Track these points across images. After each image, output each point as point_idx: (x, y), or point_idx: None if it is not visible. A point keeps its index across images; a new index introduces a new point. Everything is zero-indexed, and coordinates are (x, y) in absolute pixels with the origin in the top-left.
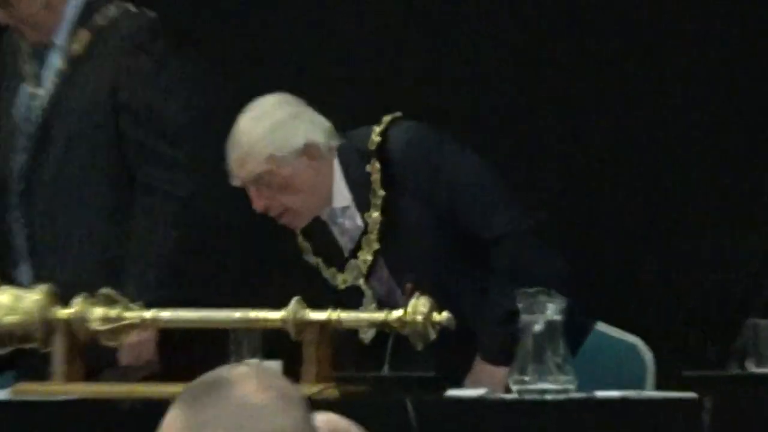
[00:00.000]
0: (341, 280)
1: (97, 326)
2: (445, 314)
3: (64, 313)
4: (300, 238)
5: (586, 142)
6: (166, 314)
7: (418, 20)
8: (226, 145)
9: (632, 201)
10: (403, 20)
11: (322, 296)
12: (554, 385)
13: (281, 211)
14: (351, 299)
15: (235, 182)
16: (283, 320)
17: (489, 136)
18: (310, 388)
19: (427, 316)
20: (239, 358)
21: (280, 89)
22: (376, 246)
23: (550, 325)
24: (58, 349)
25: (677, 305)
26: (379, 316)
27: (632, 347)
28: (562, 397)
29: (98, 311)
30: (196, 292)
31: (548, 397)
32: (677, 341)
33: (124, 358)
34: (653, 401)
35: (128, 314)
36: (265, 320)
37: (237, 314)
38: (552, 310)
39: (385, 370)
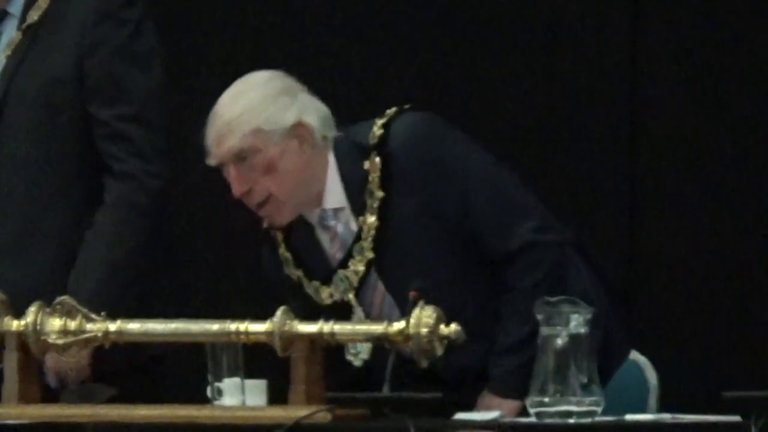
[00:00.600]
0: (327, 294)
1: (54, 340)
2: (453, 327)
3: (16, 324)
4: (282, 248)
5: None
6: (133, 326)
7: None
8: (206, 120)
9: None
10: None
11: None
12: (578, 408)
13: (264, 198)
14: (337, 318)
15: (212, 161)
16: (268, 333)
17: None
18: (299, 411)
19: (433, 329)
20: (217, 377)
21: None
22: (369, 255)
23: (573, 339)
24: (9, 365)
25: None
26: (378, 328)
27: (636, 366)
28: (586, 420)
29: (56, 323)
30: (168, 301)
31: (571, 420)
32: (717, 360)
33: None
34: (691, 426)
35: (90, 326)
36: (248, 333)
37: (215, 326)
38: (576, 322)
39: (385, 390)
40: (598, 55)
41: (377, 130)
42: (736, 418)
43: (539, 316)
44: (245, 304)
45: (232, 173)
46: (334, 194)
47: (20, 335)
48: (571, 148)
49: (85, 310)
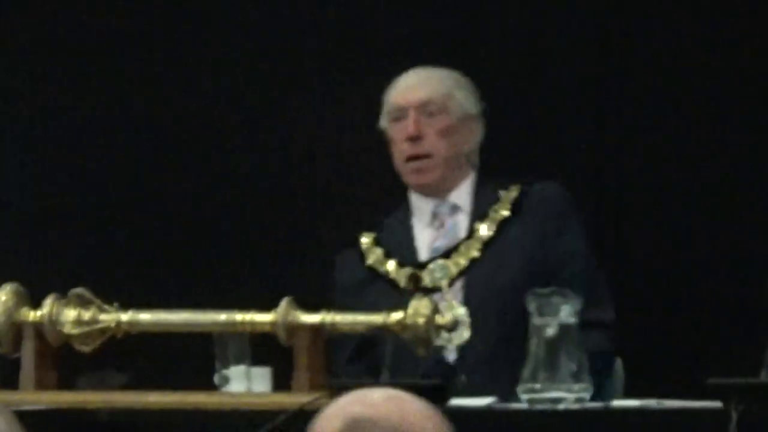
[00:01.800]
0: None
1: (69, 330)
2: (448, 317)
3: (33, 315)
4: (370, 244)
5: None
6: (145, 317)
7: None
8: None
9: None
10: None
11: (314, 297)
12: (568, 394)
13: (426, 152)
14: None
15: (396, 103)
16: (272, 323)
17: None
18: (302, 398)
19: (429, 319)
20: (224, 364)
21: None
22: (475, 254)
23: (564, 328)
24: (26, 354)
25: (702, 310)
26: (377, 318)
27: None
28: (576, 406)
29: (71, 313)
30: (178, 293)
31: (561, 406)
32: (700, 347)
33: None
34: (675, 411)
35: (103, 317)
36: (253, 323)
37: (222, 316)
38: (566, 312)
39: (384, 377)
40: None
41: (524, 180)
42: (718, 404)
43: (531, 307)
44: (251, 296)
45: (412, 116)
46: (461, 196)
47: (37, 325)
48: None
49: (98, 301)
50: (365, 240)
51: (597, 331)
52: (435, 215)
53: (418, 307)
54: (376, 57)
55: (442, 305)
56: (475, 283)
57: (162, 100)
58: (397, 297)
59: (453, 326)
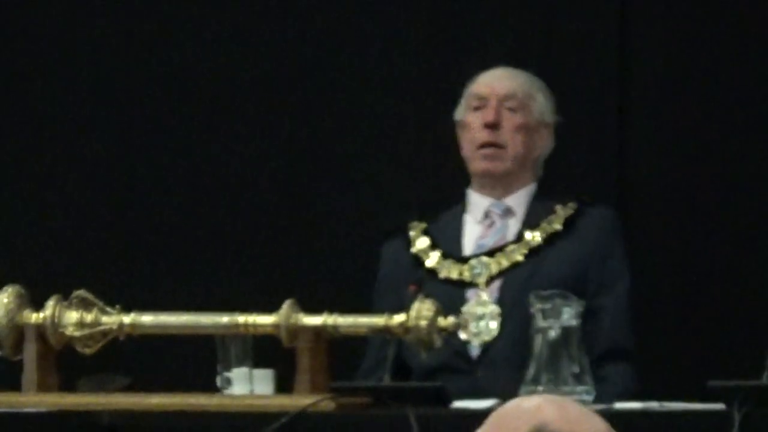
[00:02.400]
0: (457, 272)
1: (71, 332)
2: (451, 319)
3: (35, 317)
4: (418, 233)
5: None
6: (147, 319)
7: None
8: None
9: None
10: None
11: (317, 299)
12: (570, 396)
13: (502, 142)
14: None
15: (482, 90)
16: (274, 325)
17: None
18: (304, 400)
19: (432, 322)
20: (227, 367)
21: None
22: (518, 258)
23: (566, 331)
24: (28, 356)
25: (704, 312)
26: (379, 320)
27: None
28: None
29: (73, 316)
30: (180, 294)
31: None
32: (703, 349)
33: None
34: (678, 414)
35: (105, 319)
36: (255, 325)
37: (224, 318)
38: (568, 314)
39: (386, 380)
40: (588, 56)
41: (579, 195)
42: (721, 407)
43: (533, 309)
44: (253, 298)
45: (493, 105)
46: (518, 200)
47: (39, 327)
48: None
49: (101, 304)
50: (414, 229)
51: (623, 365)
52: (487, 213)
53: (421, 310)
54: (380, 55)
55: (475, 300)
56: (512, 285)
57: (162, 99)
58: (438, 288)
59: (455, 328)
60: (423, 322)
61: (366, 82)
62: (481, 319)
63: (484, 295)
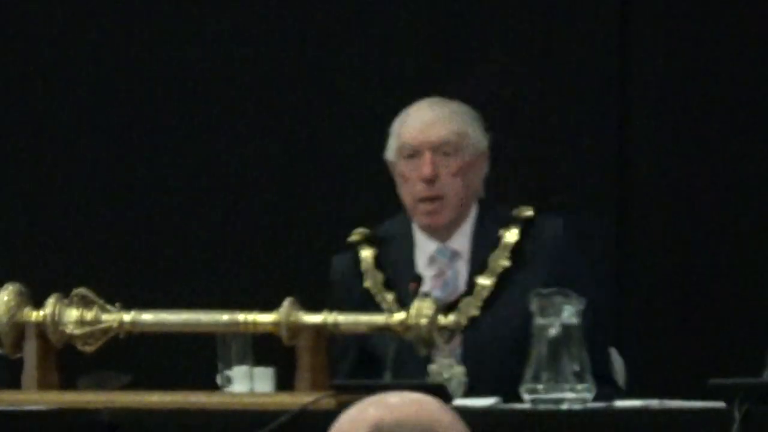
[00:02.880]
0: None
1: (71, 330)
2: (451, 317)
3: (35, 315)
4: (369, 265)
5: None
6: (147, 317)
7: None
8: (397, 121)
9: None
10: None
11: (317, 297)
12: (570, 394)
13: (440, 194)
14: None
15: (410, 143)
16: (275, 323)
17: None
18: (305, 398)
19: (432, 320)
20: (227, 365)
21: None
22: (474, 312)
23: (566, 329)
24: (29, 354)
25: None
26: (380, 319)
27: None
28: (578, 406)
29: (73, 313)
30: (180, 292)
31: (564, 406)
32: (703, 347)
33: None
34: (678, 411)
35: (106, 317)
36: (256, 323)
37: (225, 317)
38: (569, 312)
39: (387, 377)
40: (588, 56)
41: (526, 209)
42: (721, 404)
43: (533, 307)
44: (254, 296)
45: (427, 158)
46: (462, 239)
47: (39, 325)
48: (560, 149)
49: (101, 301)
50: (365, 255)
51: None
52: (433, 259)
53: (421, 308)
54: (380, 55)
55: (440, 363)
56: (474, 342)
57: (162, 99)
58: (395, 340)
59: (456, 327)
60: (423, 320)
61: (366, 83)
62: (449, 381)
63: (447, 360)
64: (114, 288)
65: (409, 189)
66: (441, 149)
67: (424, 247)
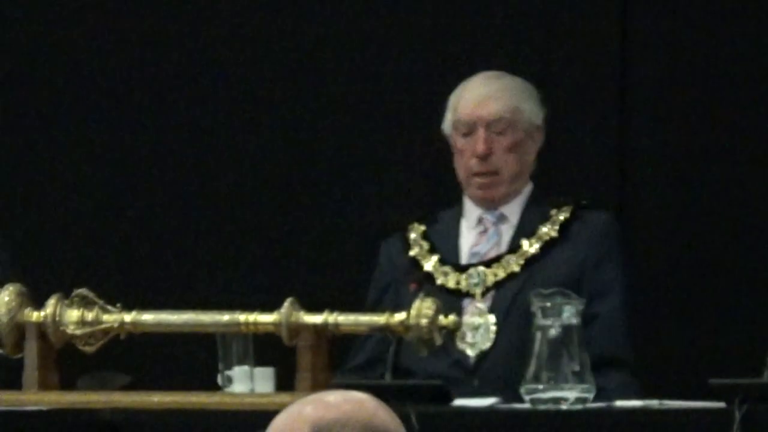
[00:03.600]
0: (454, 281)
1: (72, 330)
2: (451, 318)
3: (36, 315)
4: (418, 236)
5: None
6: (148, 317)
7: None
8: (454, 94)
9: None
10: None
11: (317, 297)
12: (570, 394)
13: (495, 169)
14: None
15: (464, 118)
16: (275, 323)
17: None
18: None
19: (433, 320)
20: (227, 365)
21: None
22: (515, 269)
23: (566, 329)
24: (29, 354)
25: (705, 310)
26: (380, 319)
27: None
28: (578, 406)
29: (74, 314)
30: (180, 292)
31: (564, 406)
32: (703, 347)
33: None
34: (678, 411)
35: (106, 317)
36: (256, 323)
37: (225, 317)
38: (569, 313)
39: (387, 378)
40: (588, 54)
41: (576, 198)
42: (721, 404)
43: (534, 307)
44: (254, 296)
45: (481, 134)
46: (513, 208)
47: (40, 326)
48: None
49: (101, 302)
50: (414, 231)
51: (617, 372)
52: (480, 220)
53: (421, 308)
54: (382, 55)
55: (471, 310)
56: (506, 295)
57: (165, 98)
58: (435, 294)
59: (456, 326)
60: (424, 321)
61: (367, 83)
62: (477, 330)
63: (481, 306)
64: (115, 288)
65: (464, 163)
66: (494, 126)
67: (472, 213)
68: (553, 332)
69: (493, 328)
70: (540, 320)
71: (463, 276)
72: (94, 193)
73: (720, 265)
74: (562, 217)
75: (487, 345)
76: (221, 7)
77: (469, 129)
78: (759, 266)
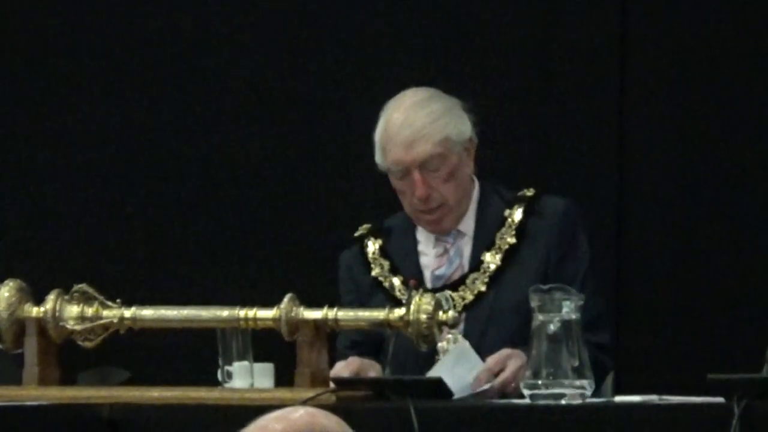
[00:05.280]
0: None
1: (72, 326)
2: (451, 313)
3: (36, 311)
4: (376, 254)
5: None
6: (147, 313)
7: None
8: (379, 133)
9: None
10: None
11: (317, 293)
12: (570, 390)
13: (438, 203)
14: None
15: (396, 166)
16: (275, 319)
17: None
18: (305, 393)
19: (432, 316)
20: (227, 360)
21: None
22: (482, 288)
23: (566, 324)
24: (29, 350)
25: (704, 306)
26: (380, 314)
27: None
28: (578, 402)
29: (74, 309)
30: (180, 288)
31: (563, 402)
32: (702, 343)
33: None
34: (678, 407)
35: (106, 313)
36: (256, 319)
37: (225, 312)
38: (568, 308)
39: (387, 373)
40: (588, 46)
41: (527, 190)
42: (720, 400)
43: (533, 303)
44: (254, 292)
45: (416, 178)
46: (466, 220)
47: (40, 321)
48: (560, 140)
49: (101, 297)
50: (371, 247)
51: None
52: (437, 239)
53: (421, 304)
54: (381, 55)
55: (446, 337)
56: (479, 318)
57: (165, 95)
58: None
59: (455, 322)
60: (423, 316)
61: (366, 82)
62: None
63: (454, 331)
64: (114, 284)
65: (407, 201)
66: (428, 165)
67: (429, 234)
68: (552, 328)
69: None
70: (539, 316)
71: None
72: (95, 189)
73: (719, 262)
74: (517, 219)
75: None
76: (221, 7)
77: (402, 173)
78: (758, 262)
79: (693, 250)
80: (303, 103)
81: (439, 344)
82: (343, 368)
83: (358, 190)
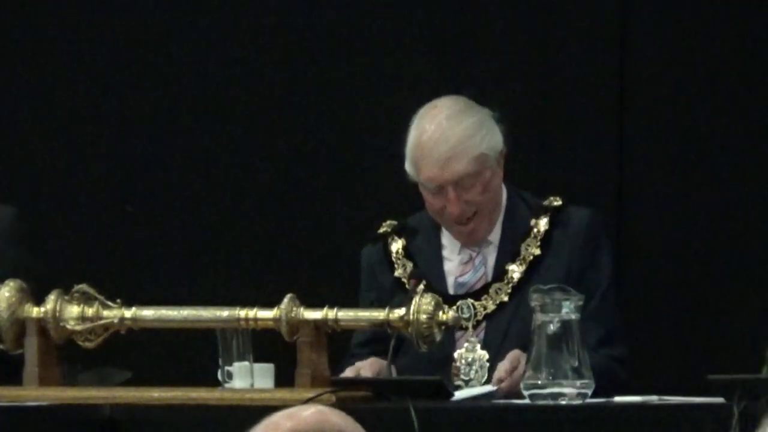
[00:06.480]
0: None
1: (72, 326)
2: (451, 313)
3: (36, 311)
4: (400, 254)
5: None
6: (147, 313)
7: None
8: (412, 145)
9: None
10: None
11: (317, 293)
12: (569, 390)
13: (472, 213)
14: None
15: (432, 183)
16: (275, 319)
17: None
18: (305, 393)
19: (432, 316)
20: (227, 361)
21: None
22: (504, 298)
23: (565, 324)
24: (29, 350)
25: (704, 306)
26: (380, 315)
27: None
28: (577, 402)
29: (74, 310)
30: (180, 288)
31: (563, 402)
32: (702, 343)
33: None
34: (677, 407)
35: (106, 313)
36: (256, 319)
37: (225, 313)
38: (568, 308)
39: (388, 373)
40: (588, 46)
41: (554, 199)
42: (720, 400)
43: (533, 303)
44: (254, 292)
45: (451, 196)
46: (494, 228)
47: (40, 321)
48: (560, 140)
49: (101, 298)
50: (395, 246)
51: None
52: (465, 248)
53: (421, 304)
54: (381, 55)
55: (464, 344)
56: (498, 328)
57: (165, 95)
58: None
59: (455, 322)
60: (423, 317)
61: (366, 83)
62: (471, 366)
63: (473, 339)
64: (115, 284)
65: (439, 213)
66: (463, 182)
67: (454, 240)
68: (552, 328)
69: (487, 364)
70: (539, 316)
71: (452, 309)
72: (95, 189)
73: (719, 262)
74: (542, 229)
75: (481, 382)
76: (221, 6)
77: (437, 189)
78: (757, 262)
79: (693, 250)
80: (303, 103)
81: (457, 351)
82: (365, 369)
83: (358, 190)
